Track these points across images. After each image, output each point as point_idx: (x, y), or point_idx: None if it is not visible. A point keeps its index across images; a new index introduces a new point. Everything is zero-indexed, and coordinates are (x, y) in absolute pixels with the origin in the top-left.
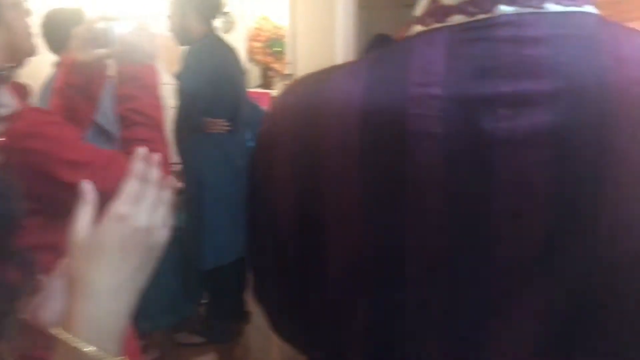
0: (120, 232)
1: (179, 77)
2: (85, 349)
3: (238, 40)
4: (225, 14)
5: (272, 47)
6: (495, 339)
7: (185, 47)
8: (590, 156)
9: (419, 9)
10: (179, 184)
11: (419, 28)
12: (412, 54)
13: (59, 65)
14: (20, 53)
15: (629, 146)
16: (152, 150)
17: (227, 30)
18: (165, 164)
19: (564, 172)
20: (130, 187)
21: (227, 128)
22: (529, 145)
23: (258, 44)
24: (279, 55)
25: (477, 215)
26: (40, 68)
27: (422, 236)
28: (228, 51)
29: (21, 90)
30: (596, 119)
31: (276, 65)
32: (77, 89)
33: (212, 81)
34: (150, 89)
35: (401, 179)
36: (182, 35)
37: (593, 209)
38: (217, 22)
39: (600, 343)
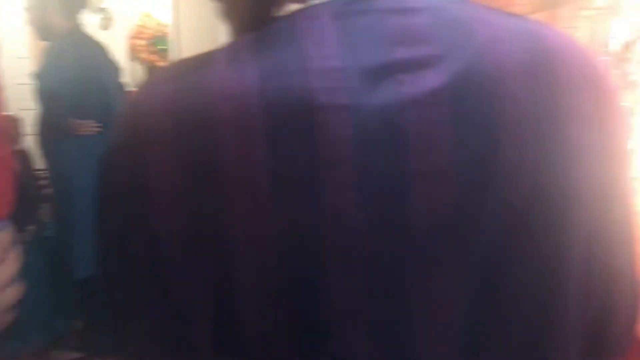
0: None
1: (38, 76)
2: None
3: (118, 38)
4: (102, 9)
5: (156, 44)
6: (420, 325)
7: (47, 44)
8: (484, 109)
9: None
10: (48, 190)
11: (295, 6)
12: (299, 30)
13: None
14: None
15: (510, 96)
16: None
17: (105, 27)
18: (5, 167)
19: (464, 128)
20: None
21: (97, 129)
22: (430, 106)
23: (141, 42)
24: (163, 54)
25: (392, 184)
26: None
27: (339, 216)
28: (95, 48)
29: None
30: (480, 75)
31: (161, 64)
32: None
33: (77, 80)
34: None
35: (313, 157)
36: (43, 30)
37: (493, 161)
38: (94, 19)
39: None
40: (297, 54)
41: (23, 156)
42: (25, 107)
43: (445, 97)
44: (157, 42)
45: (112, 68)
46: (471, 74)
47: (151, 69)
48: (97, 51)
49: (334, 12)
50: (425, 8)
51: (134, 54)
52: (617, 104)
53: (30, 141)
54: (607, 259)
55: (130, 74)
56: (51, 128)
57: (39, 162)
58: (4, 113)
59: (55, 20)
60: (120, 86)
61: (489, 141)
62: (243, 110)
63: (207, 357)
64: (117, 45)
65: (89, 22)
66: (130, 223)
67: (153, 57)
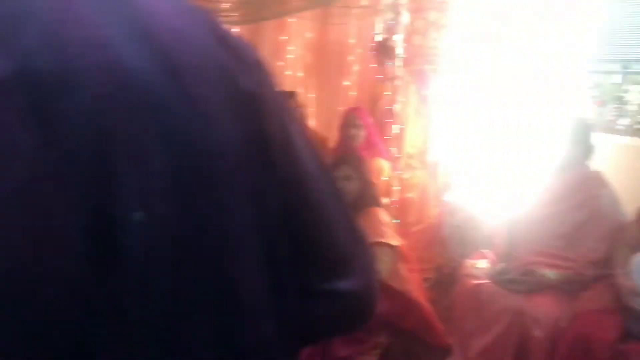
0: None
1: None
2: None
3: None
4: None
5: None
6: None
7: None
8: (54, 93)
9: None
10: None
11: None
12: None
13: None
14: None
15: (120, 63)
16: None
17: None
18: None
19: (34, 111)
20: None
21: None
22: (8, 94)
23: None
24: None
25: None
26: None
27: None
28: None
29: None
30: (53, 55)
31: None
32: None
33: None
34: None
35: None
36: None
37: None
38: None
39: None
40: None
41: None
42: None
43: (13, 85)
44: None
45: None
46: (40, 56)
47: None
48: None
49: None
50: None
51: None
52: (252, 53)
53: None
54: (304, 197)
55: None
56: None
57: None
58: None
59: None
60: None
61: (97, 120)
62: None
63: None
64: None
65: None
66: None
67: None
